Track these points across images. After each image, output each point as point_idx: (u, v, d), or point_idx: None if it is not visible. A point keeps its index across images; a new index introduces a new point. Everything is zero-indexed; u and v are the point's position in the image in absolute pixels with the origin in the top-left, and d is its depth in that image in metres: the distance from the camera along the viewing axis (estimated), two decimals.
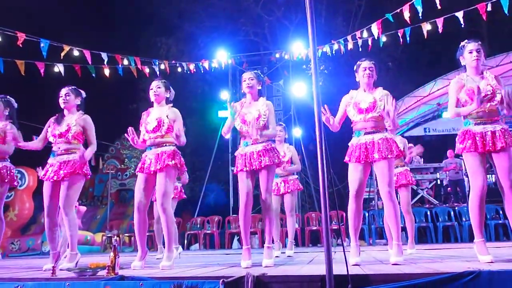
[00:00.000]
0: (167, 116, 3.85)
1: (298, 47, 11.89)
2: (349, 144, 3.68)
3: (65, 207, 4.02)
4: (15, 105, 4.66)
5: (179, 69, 10.69)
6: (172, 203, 6.09)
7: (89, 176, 4.22)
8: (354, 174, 3.56)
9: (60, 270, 3.48)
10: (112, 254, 3.04)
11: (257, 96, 3.92)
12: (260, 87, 3.95)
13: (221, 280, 2.42)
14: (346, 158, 3.61)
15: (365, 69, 3.64)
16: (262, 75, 4.07)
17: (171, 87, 4.08)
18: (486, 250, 3.18)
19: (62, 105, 4.27)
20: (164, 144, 3.81)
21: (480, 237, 3.25)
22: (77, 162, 4.08)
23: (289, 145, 5.74)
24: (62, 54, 7.61)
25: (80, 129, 4.19)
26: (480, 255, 3.18)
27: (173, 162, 3.72)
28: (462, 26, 7.25)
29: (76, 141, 4.18)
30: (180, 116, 3.92)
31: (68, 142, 4.14)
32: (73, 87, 4.36)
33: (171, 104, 4.02)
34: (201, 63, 10.93)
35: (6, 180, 4.41)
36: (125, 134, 3.86)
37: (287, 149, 5.54)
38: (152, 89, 3.96)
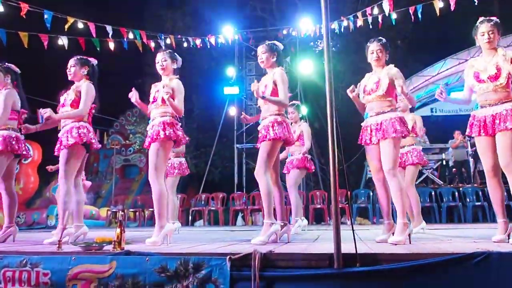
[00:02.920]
0: (164, 86, 3.68)
1: (306, 24, 11.66)
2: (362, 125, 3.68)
3: (61, 177, 3.93)
4: (17, 70, 4.39)
5: (185, 44, 10.53)
6: (173, 180, 6.04)
7: (82, 138, 3.93)
8: (369, 156, 3.61)
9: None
10: (118, 229, 3.03)
11: (273, 67, 3.81)
12: (274, 59, 3.82)
13: (228, 257, 2.41)
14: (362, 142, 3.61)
15: (373, 52, 3.62)
16: (275, 44, 3.91)
17: (177, 55, 3.92)
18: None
19: (69, 77, 4.15)
20: (158, 115, 3.65)
21: (502, 217, 3.26)
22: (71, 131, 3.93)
23: (303, 122, 5.62)
24: (66, 26, 7.48)
25: (77, 94, 4.04)
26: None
27: (163, 133, 3.54)
28: (476, 3, 7.09)
29: (71, 109, 4.02)
30: (181, 87, 3.73)
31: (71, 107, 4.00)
32: (79, 57, 4.21)
33: (177, 76, 3.84)
34: (207, 38, 10.76)
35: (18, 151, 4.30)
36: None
37: (298, 128, 5.43)
38: (158, 62, 3.83)
